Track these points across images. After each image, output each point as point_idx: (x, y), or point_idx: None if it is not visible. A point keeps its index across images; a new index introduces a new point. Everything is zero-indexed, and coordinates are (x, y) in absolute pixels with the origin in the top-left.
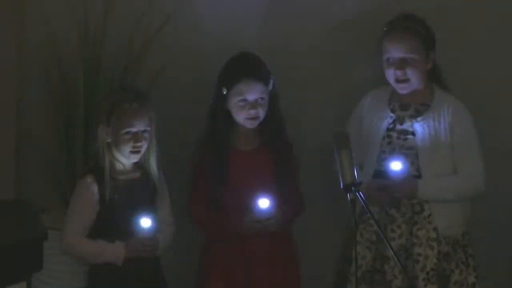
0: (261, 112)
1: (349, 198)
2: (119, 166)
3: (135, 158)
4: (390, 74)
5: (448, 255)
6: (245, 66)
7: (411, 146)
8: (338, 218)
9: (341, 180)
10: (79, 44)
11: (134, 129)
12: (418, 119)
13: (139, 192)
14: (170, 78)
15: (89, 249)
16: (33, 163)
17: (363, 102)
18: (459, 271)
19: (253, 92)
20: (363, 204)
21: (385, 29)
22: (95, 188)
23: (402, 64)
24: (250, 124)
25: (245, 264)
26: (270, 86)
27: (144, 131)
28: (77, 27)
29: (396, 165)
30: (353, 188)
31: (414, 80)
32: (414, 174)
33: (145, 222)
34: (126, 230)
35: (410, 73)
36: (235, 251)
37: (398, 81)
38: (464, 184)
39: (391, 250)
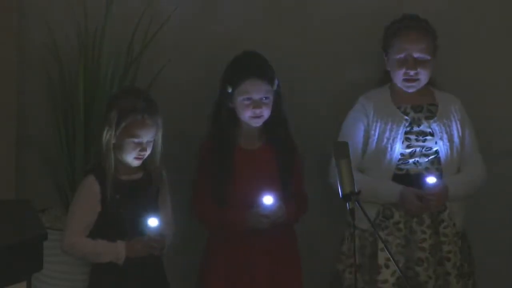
0: (266, 111)
1: (348, 207)
2: (121, 166)
3: (137, 164)
4: (401, 74)
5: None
6: (251, 65)
7: (430, 147)
8: (338, 218)
9: (340, 190)
10: (79, 44)
11: (142, 140)
12: (435, 119)
13: (141, 192)
14: (170, 78)
15: (90, 249)
16: (33, 163)
17: (363, 108)
18: (467, 265)
19: (258, 91)
20: (363, 213)
21: (395, 29)
22: (97, 188)
23: (415, 63)
24: (255, 123)
25: (248, 263)
26: (275, 86)
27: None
28: (77, 27)
29: (431, 180)
30: (352, 197)
31: (423, 79)
32: (435, 173)
33: (153, 222)
34: (128, 230)
35: (422, 72)
36: (237, 251)
37: (408, 80)
38: (477, 179)
39: (390, 255)
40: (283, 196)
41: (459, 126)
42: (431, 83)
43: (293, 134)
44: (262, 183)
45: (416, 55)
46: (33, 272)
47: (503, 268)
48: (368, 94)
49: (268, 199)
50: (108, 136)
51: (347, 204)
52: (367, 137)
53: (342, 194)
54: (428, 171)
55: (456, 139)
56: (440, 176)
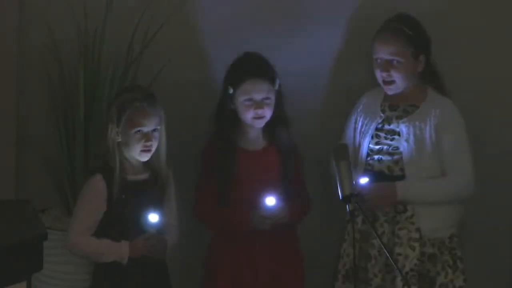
0: (268, 112)
1: (348, 209)
2: (128, 166)
3: (145, 157)
4: (378, 75)
5: (434, 257)
6: (251, 66)
7: (397, 146)
8: (338, 218)
9: (339, 192)
10: (79, 44)
11: (145, 129)
12: (404, 119)
13: (146, 193)
14: (170, 78)
15: (93, 248)
16: (33, 163)
17: (358, 103)
18: (444, 274)
19: (259, 91)
20: (362, 214)
21: (376, 30)
22: (103, 187)
23: (387, 66)
24: (257, 124)
25: (251, 264)
26: (276, 86)
27: (154, 130)
28: (77, 27)
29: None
30: (351, 199)
31: (399, 82)
32: (398, 174)
33: (153, 218)
34: (133, 230)
35: (395, 75)
36: (241, 251)
37: (384, 82)
38: (449, 187)
39: (385, 250)
40: (285, 197)
41: (433, 130)
42: (432, 83)
43: (293, 134)
44: (264, 184)
45: (386, 57)
46: (33, 272)
47: (503, 269)
48: (370, 91)
49: (270, 200)
50: (112, 134)
51: (347, 205)
52: (355, 131)
53: (341, 196)
54: (389, 169)
55: (427, 142)
56: (402, 177)
